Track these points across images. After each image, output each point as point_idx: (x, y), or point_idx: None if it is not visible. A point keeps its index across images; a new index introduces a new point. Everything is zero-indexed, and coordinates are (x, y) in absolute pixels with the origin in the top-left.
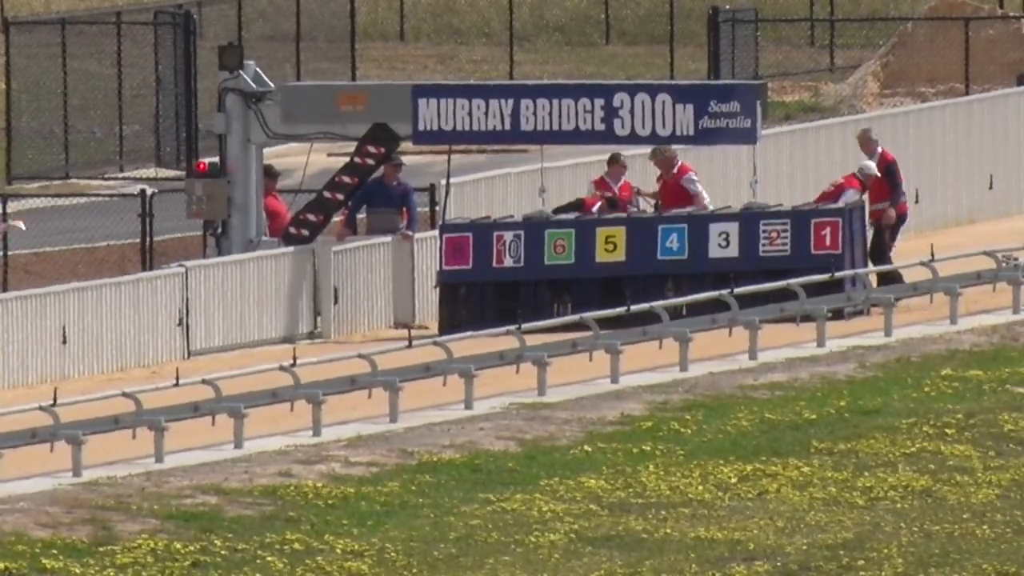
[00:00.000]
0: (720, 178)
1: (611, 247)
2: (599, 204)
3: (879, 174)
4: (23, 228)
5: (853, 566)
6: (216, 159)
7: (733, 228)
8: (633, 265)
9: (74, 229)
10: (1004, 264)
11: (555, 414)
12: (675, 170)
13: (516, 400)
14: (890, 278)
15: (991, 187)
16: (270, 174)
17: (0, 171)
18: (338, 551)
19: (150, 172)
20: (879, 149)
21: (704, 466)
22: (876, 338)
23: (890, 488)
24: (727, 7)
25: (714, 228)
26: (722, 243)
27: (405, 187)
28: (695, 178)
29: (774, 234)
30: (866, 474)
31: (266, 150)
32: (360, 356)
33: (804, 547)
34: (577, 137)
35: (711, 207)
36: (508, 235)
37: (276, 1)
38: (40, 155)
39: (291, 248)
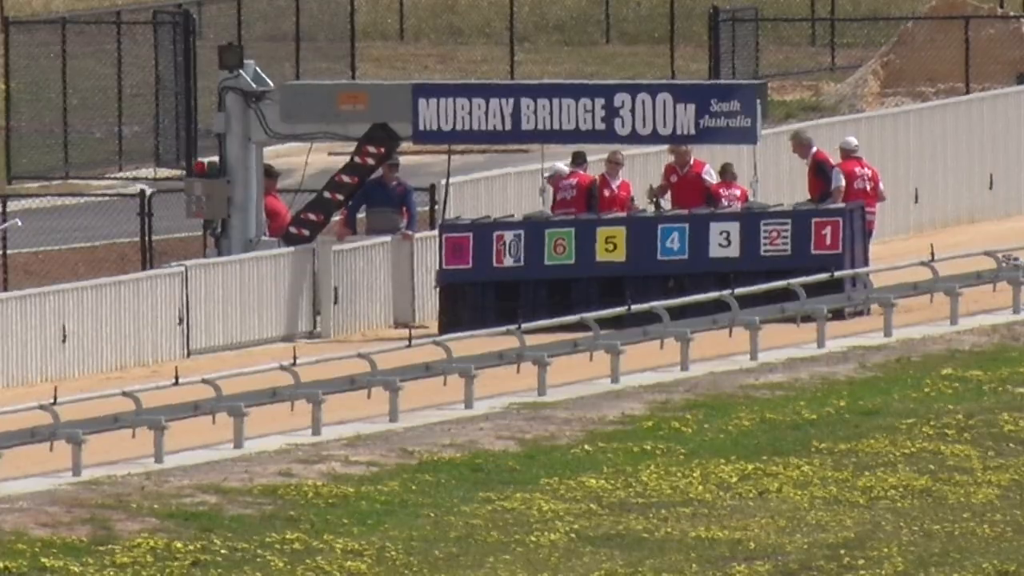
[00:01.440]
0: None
1: (611, 247)
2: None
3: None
4: (20, 224)
5: (853, 565)
6: (216, 159)
7: (734, 228)
8: (633, 265)
9: (74, 229)
10: (1004, 264)
11: (555, 414)
12: (691, 163)
13: (516, 400)
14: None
15: (991, 187)
16: (270, 174)
17: (0, 171)
18: (338, 550)
19: (150, 172)
20: (814, 149)
21: (705, 465)
22: (876, 338)
23: (890, 488)
24: (727, 7)
25: (715, 228)
26: (723, 243)
27: (405, 187)
28: (711, 170)
29: (774, 234)
30: (866, 474)
31: (266, 150)
32: (360, 356)
33: (805, 546)
34: (578, 137)
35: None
36: (508, 235)
37: (276, 1)
38: (40, 155)
39: (291, 248)
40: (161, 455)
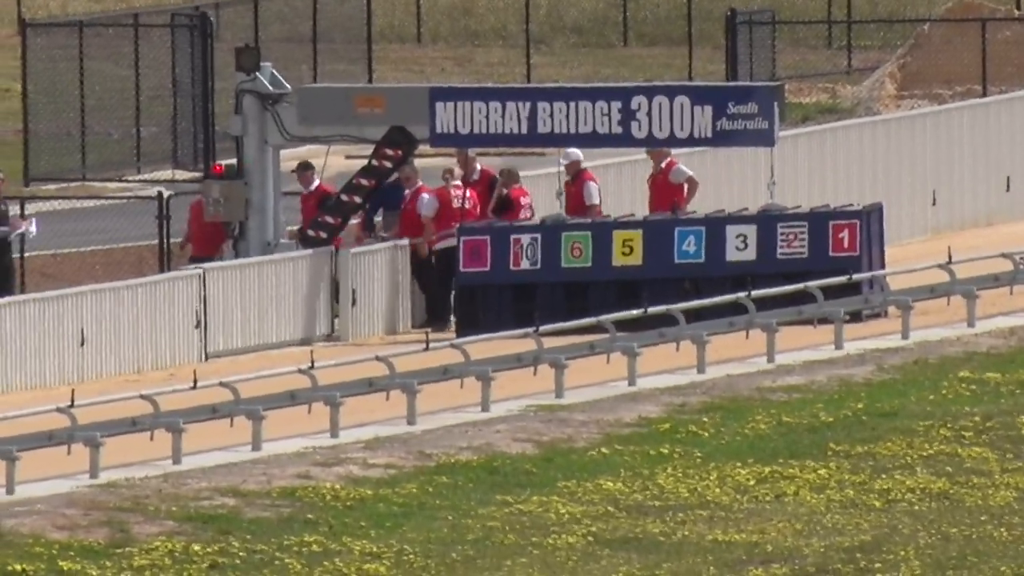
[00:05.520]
0: (738, 180)
1: (628, 250)
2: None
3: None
4: (33, 232)
5: (870, 568)
6: (233, 161)
7: (751, 230)
8: (650, 268)
9: (91, 231)
10: (1021, 266)
11: (572, 416)
12: (663, 165)
13: (533, 402)
14: None
15: (1008, 189)
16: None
17: (18, 173)
18: (356, 553)
19: (167, 174)
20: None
21: (721, 468)
22: (893, 340)
23: (907, 490)
24: (745, 9)
25: (731, 230)
26: (739, 245)
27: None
28: (684, 167)
29: (792, 236)
30: (883, 476)
31: (283, 152)
32: (377, 358)
33: (821, 549)
34: (594, 140)
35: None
36: (525, 238)
37: (293, 3)
38: (57, 157)
39: (309, 250)
40: (179, 458)
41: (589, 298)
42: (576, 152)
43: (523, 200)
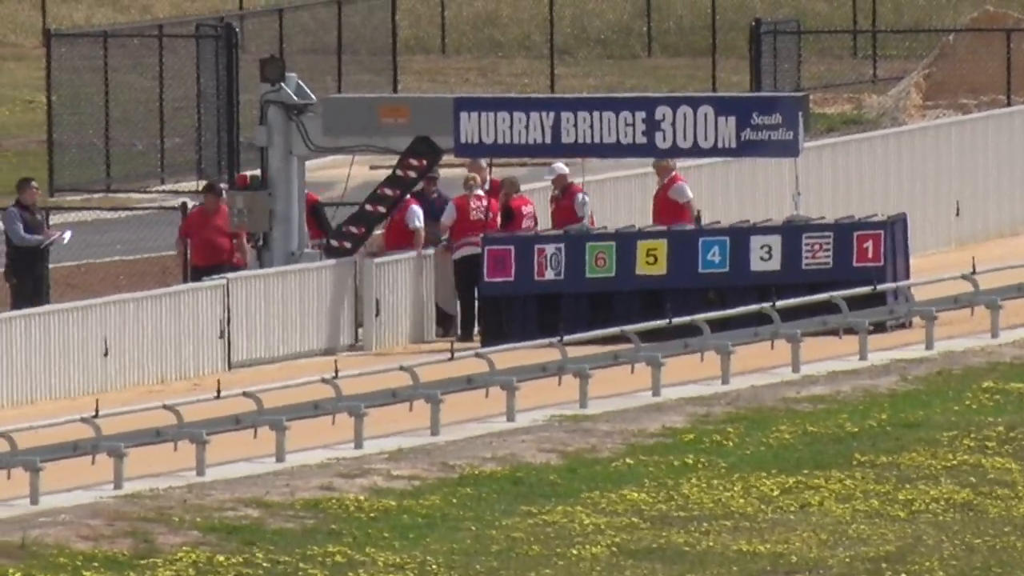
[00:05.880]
0: (762, 191)
1: (652, 260)
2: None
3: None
4: (66, 239)
5: None
6: (258, 172)
7: (775, 241)
8: (674, 278)
9: (116, 242)
10: None
11: (597, 426)
12: (667, 180)
13: (558, 412)
14: None
15: None
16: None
17: (42, 184)
18: (380, 564)
19: (192, 185)
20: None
21: (746, 479)
22: (918, 351)
23: (932, 501)
24: (769, 19)
25: (756, 241)
26: (764, 256)
27: (445, 199)
28: (686, 188)
29: (816, 247)
30: (908, 487)
31: (308, 163)
32: (401, 368)
33: (846, 560)
34: (618, 150)
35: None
36: (549, 248)
37: (317, 14)
38: (82, 168)
39: (333, 260)
40: (203, 468)
41: (613, 308)
42: (562, 166)
43: (525, 209)
